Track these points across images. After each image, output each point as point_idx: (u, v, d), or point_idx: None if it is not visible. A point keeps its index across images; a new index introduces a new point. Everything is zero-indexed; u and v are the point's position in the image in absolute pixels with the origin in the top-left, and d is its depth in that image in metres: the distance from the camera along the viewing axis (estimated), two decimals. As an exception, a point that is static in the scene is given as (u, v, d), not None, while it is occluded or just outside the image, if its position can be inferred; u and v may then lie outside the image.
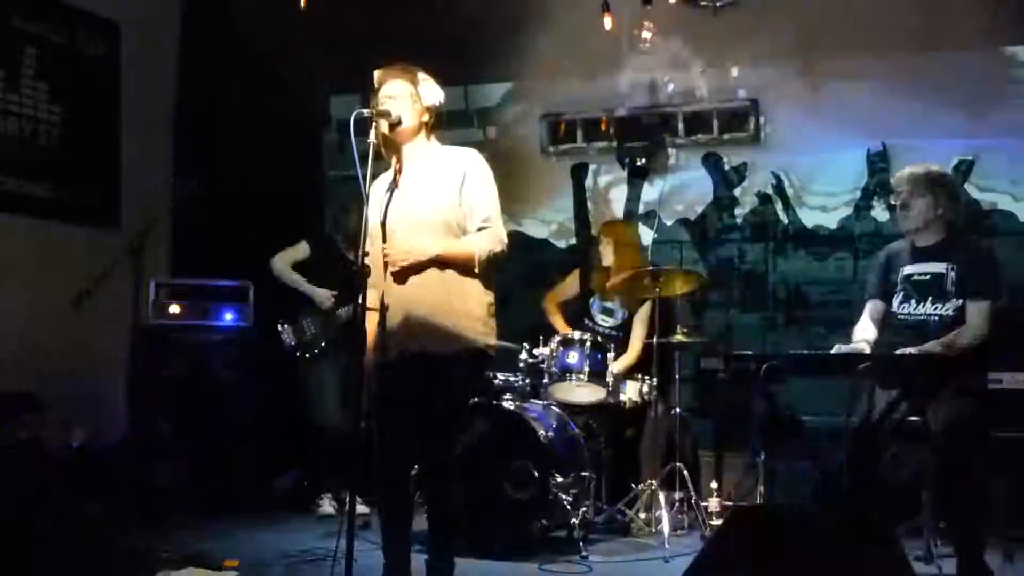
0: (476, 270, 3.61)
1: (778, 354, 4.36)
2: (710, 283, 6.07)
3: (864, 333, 4.53)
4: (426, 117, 3.74)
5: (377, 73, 3.78)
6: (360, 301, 3.52)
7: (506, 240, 3.69)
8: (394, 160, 3.78)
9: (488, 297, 3.70)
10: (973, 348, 4.23)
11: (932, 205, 4.40)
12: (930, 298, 4.37)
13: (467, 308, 3.63)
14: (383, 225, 3.69)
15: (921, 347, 4.23)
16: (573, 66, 6.50)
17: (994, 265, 4.36)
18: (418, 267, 3.60)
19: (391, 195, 3.73)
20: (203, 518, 5.47)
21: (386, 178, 3.80)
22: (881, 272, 4.60)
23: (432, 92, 3.75)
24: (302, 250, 5.95)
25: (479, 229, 3.64)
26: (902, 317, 4.45)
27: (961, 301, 4.30)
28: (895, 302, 4.48)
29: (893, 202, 4.57)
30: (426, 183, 3.68)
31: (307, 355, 5.79)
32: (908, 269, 4.47)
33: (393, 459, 3.71)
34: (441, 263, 3.60)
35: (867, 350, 4.40)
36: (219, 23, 6.87)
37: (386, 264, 3.65)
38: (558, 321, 5.98)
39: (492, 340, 3.71)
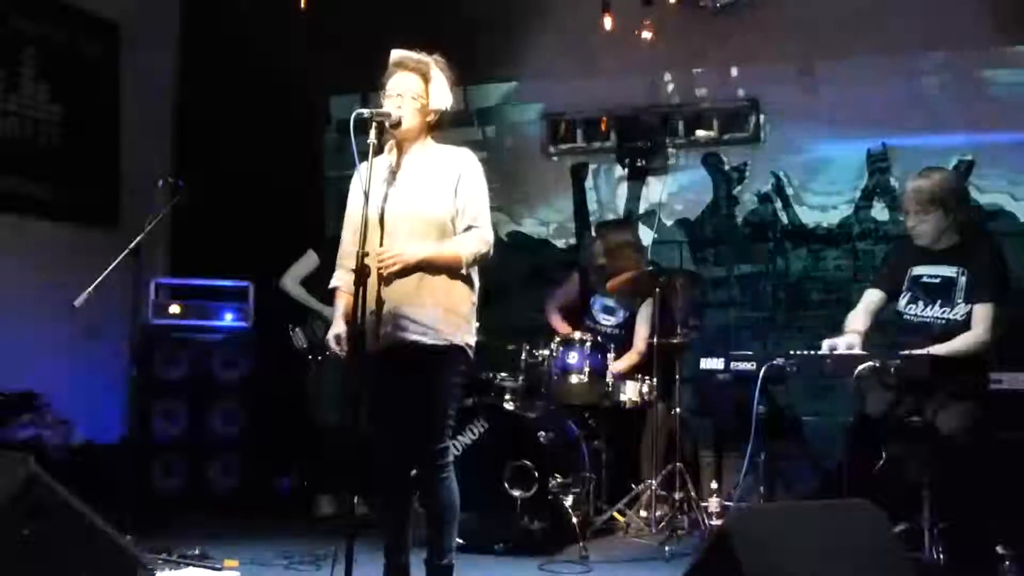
0: (463, 271, 3.63)
1: (778, 354, 4.35)
2: (709, 283, 6.05)
3: (855, 323, 4.50)
4: (431, 118, 3.69)
5: (394, 56, 3.67)
6: (361, 301, 3.50)
7: (491, 240, 3.69)
8: (391, 152, 3.73)
9: (472, 296, 3.71)
10: (975, 350, 4.22)
11: (942, 218, 4.36)
12: (939, 301, 4.34)
13: (451, 304, 3.63)
14: (381, 221, 3.67)
15: (925, 350, 4.21)
16: (573, 66, 6.50)
17: (1000, 267, 4.33)
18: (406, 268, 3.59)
19: (387, 189, 3.70)
20: (203, 518, 5.47)
21: (380, 166, 3.70)
22: (888, 265, 4.58)
23: (440, 95, 3.67)
24: (311, 261, 5.90)
25: (467, 228, 3.65)
26: (908, 317, 4.42)
27: (970, 306, 4.27)
28: (902, 302, 4.45)
29: (905, 222, 4.52)
30: (424, 183, 3.66)
31: (320, 356, 5.79)
32: (918, 270, 4.43)
33: (389, 456, 3.71)
34: (430, 265, 3.59)
35: (857, 341, 4.37)
36: (219, 23, 6.87)
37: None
38: (561, 326, 5.94)
39: (472, 339, 3.71)
